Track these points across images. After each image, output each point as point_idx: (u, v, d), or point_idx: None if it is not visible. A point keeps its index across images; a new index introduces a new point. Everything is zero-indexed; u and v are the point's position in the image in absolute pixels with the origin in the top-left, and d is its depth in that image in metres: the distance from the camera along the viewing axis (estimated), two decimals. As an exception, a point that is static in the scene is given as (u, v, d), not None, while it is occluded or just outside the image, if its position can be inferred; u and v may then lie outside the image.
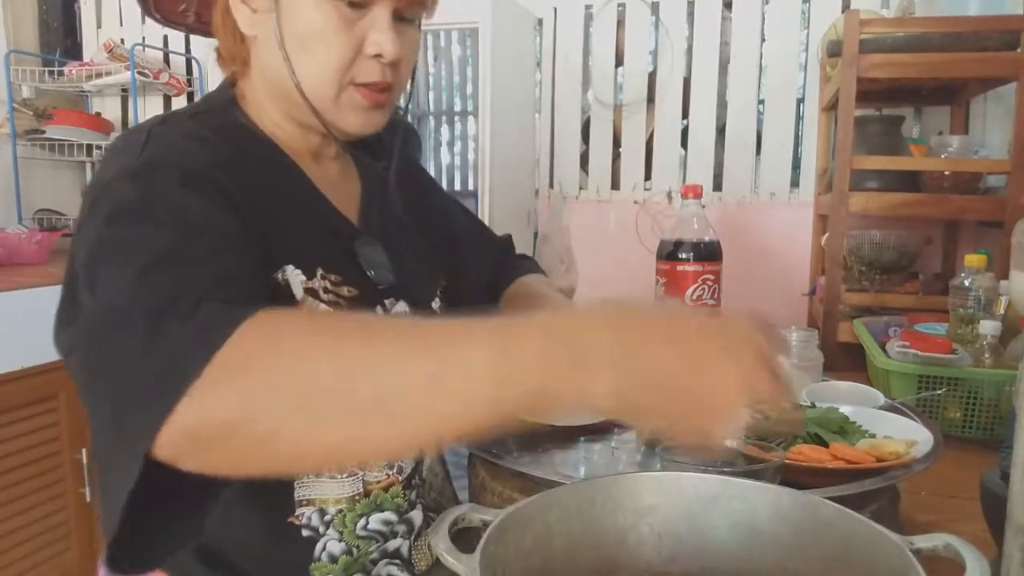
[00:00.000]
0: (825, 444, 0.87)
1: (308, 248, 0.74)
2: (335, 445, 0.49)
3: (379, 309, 0.79)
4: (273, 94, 0.76)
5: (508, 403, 0.46)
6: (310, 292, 0.72)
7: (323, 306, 0.73)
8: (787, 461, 0.78)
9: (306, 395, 0.48)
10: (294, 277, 0.71)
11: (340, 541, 0.75)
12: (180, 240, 0.58)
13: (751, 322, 0.48)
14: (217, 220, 0.62)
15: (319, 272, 0.73)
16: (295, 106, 0.74)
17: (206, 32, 0.84)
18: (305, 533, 0.73)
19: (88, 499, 1.95)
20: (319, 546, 0.74)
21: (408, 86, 0.80)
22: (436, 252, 0.95)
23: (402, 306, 0.83)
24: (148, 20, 3.06)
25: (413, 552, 0.81)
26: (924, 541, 0.52)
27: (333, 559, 0.74)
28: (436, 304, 0.90)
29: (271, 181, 0.74)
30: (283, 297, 0.70)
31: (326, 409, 0.47)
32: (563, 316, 0.49)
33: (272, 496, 0.73)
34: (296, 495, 0.73)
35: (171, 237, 0.58)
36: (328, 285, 0.74)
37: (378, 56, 0.72)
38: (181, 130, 0.69)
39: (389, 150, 0.91)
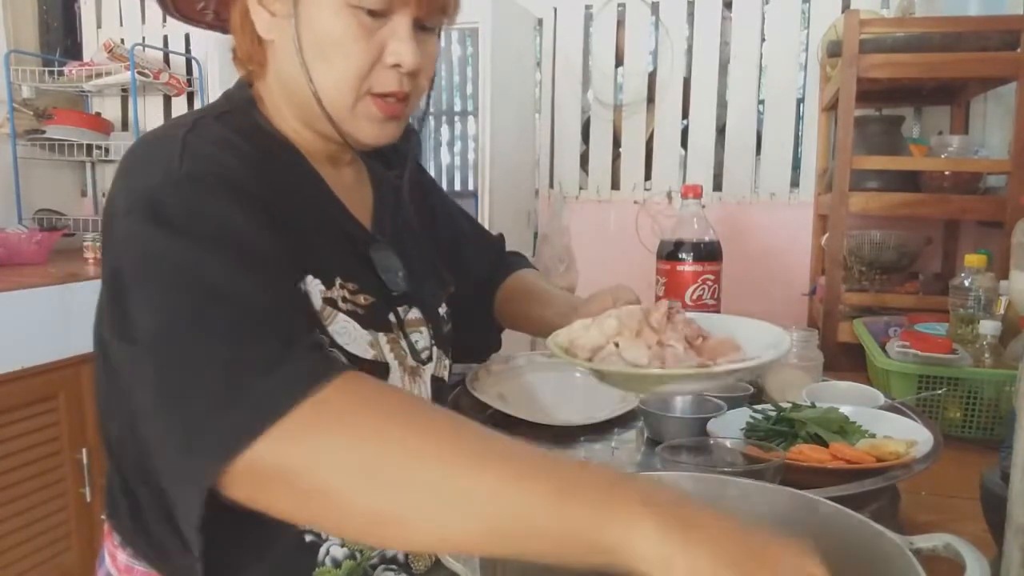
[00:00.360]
0: (825, 444, 0.87)
1: (327, 256, 0.73)
2: (376, 523, 0.50)
3: (392, 316, 0.79)
4: (290, 99, 0.75)
5: (554, 548, 0.46)
6: (329, 302, 0.71)
7: (341, 316, 0.72)
8: (787, 461, 0.78)
9: (371, 469, 0.49)
10: (313, 287, 0.70)
11: (343, 546, 0.75)
12: (239, 265, 0.58)
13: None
14: (266, 240, 0.62)
15: (337, 281, 0.73)
16: (311, 113, 0.73)
17: (224, 29, 0.83)
18: (308, 538, 0.73)
19: (88, 499, 1.95)
20: (322, 551, 0.74)
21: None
22: (441, 255, 0.95)
23: (415, 312, 0.82)
24: (148, 20, 3.02)
25: (410, 555, 0.81)
26: (924, 541, 0.52)
27: (336, 564, 0.74)
28: (443, 310, 0.90)
29: (293, 186, 0.73)
30: None
31: (381, 488, 0.48)
32: (636, 481, 0.49)
33: None
34: None
35: (230, 262, 0.58)
36: (346, 294, 0.73)
37: (396, 66, 0.70)
38: (212, 137, 0.68)
39: (403, 157, 0.90)
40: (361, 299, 0.74)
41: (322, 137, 0.77)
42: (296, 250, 0.67)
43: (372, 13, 0.68)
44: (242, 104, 0.76)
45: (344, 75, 0.70)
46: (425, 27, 0.73)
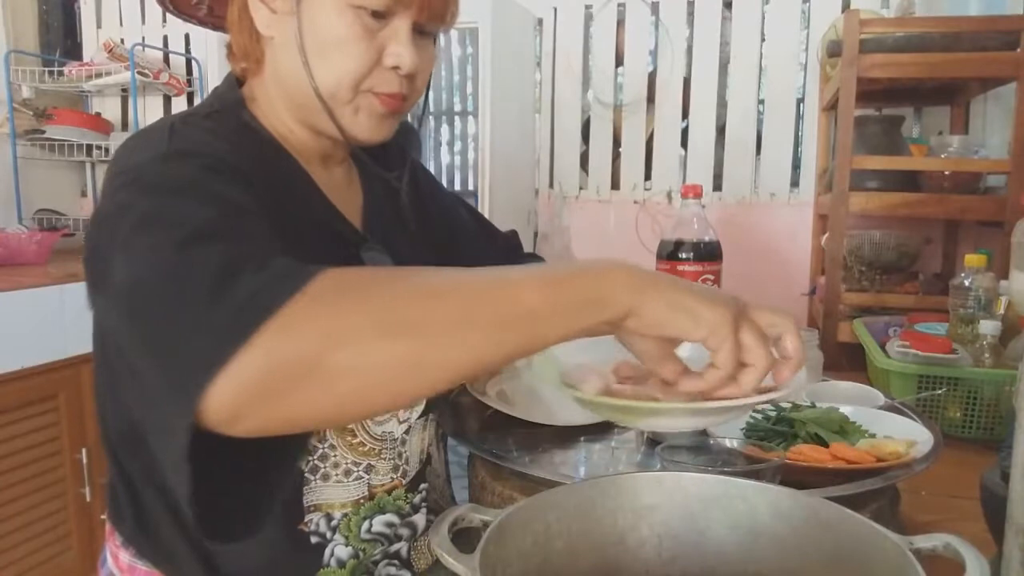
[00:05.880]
0: (825, 444, 0.87)
1: (315, 254, 0.73)
2: (413, 365, 0.49)
3: None
4: (287, 96, 0.75)
5: (551, 331, 0.52)
6: None
7: None
8: (787, 461, 0.78)
9: (386, 315, 0.49)
10: None
11: (347, 545, 0.75)
12: (224, 216, 0.57)
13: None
14: (251, 205, 0.61)
15: None
16: (309, 110, 0.73)
17: (216, 26, 0.83)
18: (314, 540, 0.73)
19: (88, 499, 1.95)
20: (327, 551, 0.74)
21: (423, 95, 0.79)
22: (438, 254, 0.94)
23: None
24: (148, 20, 3.01)
25: (412, 552, 0.81)
26: (924, 541, 0.52)
27: (341, 563, 0.75)
28: None
29: (283, 186, 0.73)
30: None
31: (407, 326, 0.49)
32: (587, 262, 0.57)
33: (284, 504, 0.72)
34: (305, 501, 0.73)
35: (216, 212, 0.57)
36: None
37: (396, 68, 0.71)
38: (202, 127, 0.69)
39: (398, 155, 0.90)
40: None
41: (316, 135, 0.77)
42: (285, 250, 0.67)
43: (374, 14, 0.69)
44: (231, 103, 0.76)
45: (344, 74, 0.70)
46: (424, 32, 0.74)
